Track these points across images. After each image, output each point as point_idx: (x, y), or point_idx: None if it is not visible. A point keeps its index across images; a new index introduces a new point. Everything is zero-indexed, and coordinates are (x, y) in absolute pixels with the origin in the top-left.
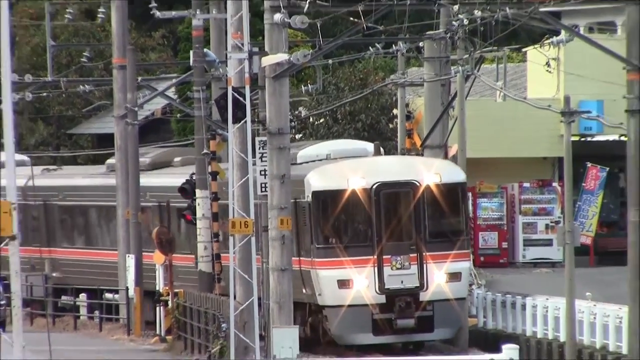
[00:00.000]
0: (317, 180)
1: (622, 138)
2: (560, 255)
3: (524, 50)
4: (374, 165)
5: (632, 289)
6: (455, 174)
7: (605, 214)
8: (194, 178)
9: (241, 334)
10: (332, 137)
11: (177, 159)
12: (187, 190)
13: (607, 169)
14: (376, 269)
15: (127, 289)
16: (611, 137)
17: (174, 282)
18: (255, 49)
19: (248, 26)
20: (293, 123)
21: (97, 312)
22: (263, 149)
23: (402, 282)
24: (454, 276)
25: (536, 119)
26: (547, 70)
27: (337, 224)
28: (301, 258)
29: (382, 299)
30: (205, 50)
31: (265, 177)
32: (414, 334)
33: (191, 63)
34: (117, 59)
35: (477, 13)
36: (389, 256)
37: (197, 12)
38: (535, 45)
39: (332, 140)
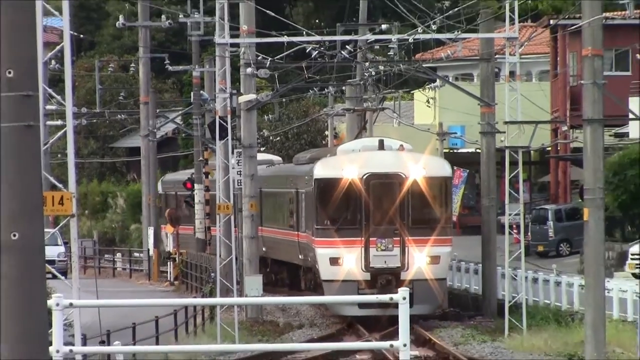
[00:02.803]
0: (320, 170)
1: (477, 150)
2: None
3: (412, 92)
4: (370, 158)
5: (484, 251)
6: (441, 169)
7: (466, 201)
8: (193, 175)
9: (224, 280)
10: (284, 150)
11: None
12: (189, 184)
13: (468, 171)
14: (363, 249)
15: (148, 250)
16: (470, 150)
17: (180, 245)
18: (234, 91)
19: (229, 76)
20: (259, 140)
21: (128, 265)
22: (239, 157)
23: (385, 262)
24: (434, 259)
25: (421, 139)
26: (427, 106)
27: (333, 208)
28: (299, 233)
29: (368, 276)
30: (201, 91)
31: (240, 176)
32: (395, 308)
33: (192, 100)
34: (143, 98)
35: (381, 68)
36: (375, 239)
37: (196, 67)
38: (420, 89)
39: (367, 138)
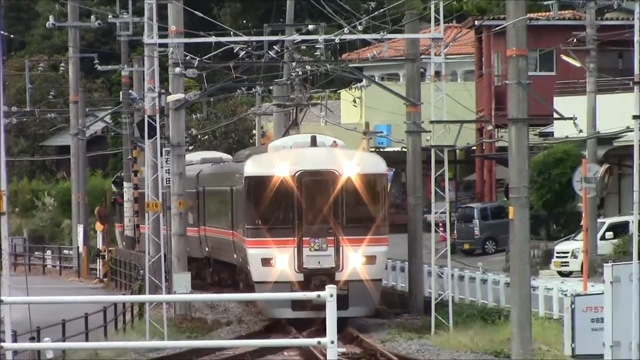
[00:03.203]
0: (250, 167)
1: (403, 149)
2: None
3: (338, 91)
4: (303, 155)
5: (411, 248)
6: (376, 166)
7: (392, 199)
8: (122, 174)
9: (153, 277)
10: (212, 148)
11: None
12: (118, 182)
13: (394, 169)
14: (296, 249)
15: (78, 247)
16: (396, 149)
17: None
18: (163, 91)
19: (158, 76)
20: (187, 139)
21: (58, 263)
22: (167, 156)
23: (319, 262)
24: (370, 259)
25: (347, 137)
26: (353, 105)
27: (264, 207)
28: (234, 231)
29: (301, 277)
30: (130, 91)
31: (169, 174)
32: None
33: (120, 99)
34: (72, 97)
35: (308, 67)
36: (308, 238)
37: (125, 67)
38: (346, 89)
39: (300, 134)
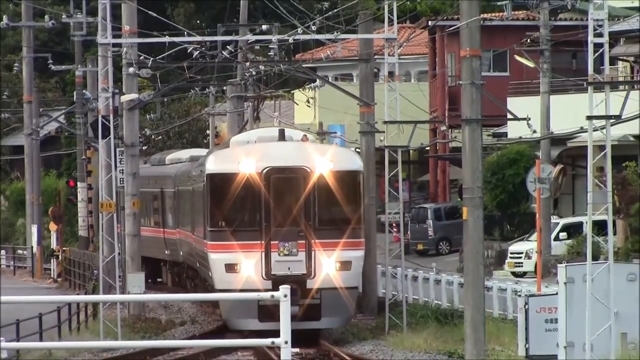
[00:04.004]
0: (212, 164)
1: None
2: None
3: (292, 92)
4: (270, 150)
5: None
6: (351, 162)
7: None
8: (75, 174)
9: (107, 277)
10: (166, 148)
11: None
12: (71, 182)
13: None
14: (263, 254)
15: (32, 247)
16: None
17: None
18: (116, 91)
19: (112, 76)
20: (141, 139)
21: (12, 262)
22: (121, 156)
23: (289, 268)
24: (345, 265)
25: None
26: (307, 105)
27: (228, 207)
28: (194, 234)
29: (269, 284)
30: (83, 91)
31: (122, 174)
32: (301, 321)
33: (74, 99)
34: (26, 97)
35: (262, 68)
36: (277, 242)
37: (79, 67)
38: (300, 89)
39: (264, 128)
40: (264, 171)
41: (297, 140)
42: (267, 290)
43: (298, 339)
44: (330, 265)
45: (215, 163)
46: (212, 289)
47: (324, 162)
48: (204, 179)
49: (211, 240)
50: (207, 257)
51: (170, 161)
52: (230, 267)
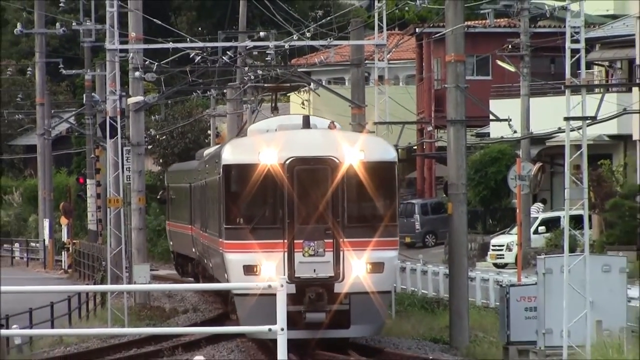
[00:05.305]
0: (229, 154)
1: None
2: None
3: (288, 94)
4: (294, 138)
5: None
6: (384, 152)
7: None
8: (84, 172)
9: (114, 268)
10: (170, 149)
11: None
12: (81, 179)
13: None
14: (286, 254)
15: (44, 240)
16: None
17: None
18: (123, 93)
19: (119, 80)
20: (146, 139)
21: (25, 255)
22: (128, 154)
23: (314, 270)
24: (376, 267)
25: None
26: (302, 107)
27: (246, 202)
28: (207, 232)
29: (293, 288)
30: (92, 93)
31: (129, 172)
32: (327, 329)
33: (84, 101)
34: (39, 99)
35: (259, 72)
36: (302, 241)
37: (88, 71)
38: (296, 92)
39: (286, 115)
40: (287, 162)
41: (323, 128)
42: (290, 294)
43: (327, 347)
44: (361, 267)
45: (233, 153)
46: (226, 293)
47: (354, 152)
48: (219, 171)
49: (228, 238)
50: (223, 257)
51: (208, 155)
52: (249, 269)
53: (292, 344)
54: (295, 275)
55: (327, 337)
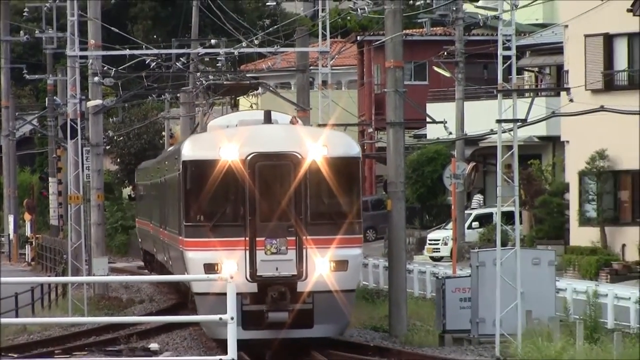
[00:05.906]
0: (189, 150)
1: None
2: None
3: (237, 97)
4: (255, 134)
5: None
6: (348, 147)
7: None
8: (47, 170)
9: (75, 261)
10: (127, 149)
11: None
12: (44, 178)
13: None
14: (247, 253)
15: (9, 235)
16: None
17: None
18: (83, 97)
19: (79, 84)
20: (105, 140)
21: None
22: (87, 154)
23: (277, 269)
24: (340, 265)
25: None
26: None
27: (207, 199)
28: (167, 230)
29: (254, 287)
30: (54, 97)
31: (89, 171)
32: (290, 329)
33: (46, 105)
34: (4, 102)
35: (211, 77)
36: (263, 239)
37: (50, 76)
38: (244, 95)
39: (246, 111)
40: (249, 158)
41: (285, 123)
42: (251, 293)
43: (288, 347)
44: (324, 265)
45: (193, 149)
46: (181, 285)
47: (317, 148)
48: (179, 167)
49: (188, 236)
50: (183, 255)
51: (168, 152)
52: (210, 268)
53: (255, 346)
54: (257, 274)
55: (290, 337)
